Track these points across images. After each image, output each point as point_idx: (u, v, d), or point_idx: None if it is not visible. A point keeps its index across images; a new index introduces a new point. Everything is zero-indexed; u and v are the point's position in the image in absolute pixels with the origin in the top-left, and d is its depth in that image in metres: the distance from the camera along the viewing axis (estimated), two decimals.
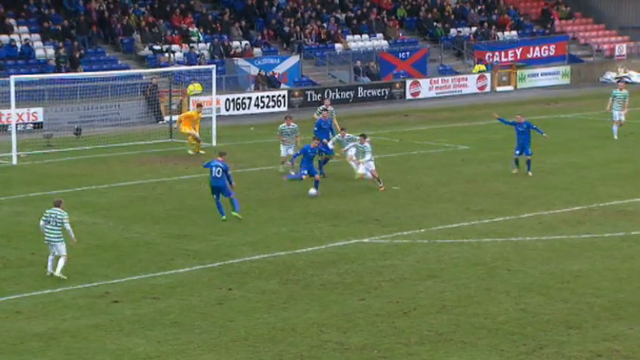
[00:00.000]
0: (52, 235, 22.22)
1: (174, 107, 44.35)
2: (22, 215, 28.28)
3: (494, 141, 40.92)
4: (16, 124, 38.69)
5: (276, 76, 52.60)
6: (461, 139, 41.52)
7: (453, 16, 63.48)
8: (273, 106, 50.20)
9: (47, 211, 22.48)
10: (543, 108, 50.77)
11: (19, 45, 48.90)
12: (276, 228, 26.93)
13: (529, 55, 61.41)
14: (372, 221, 27.61)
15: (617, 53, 65.16)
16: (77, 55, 48.69)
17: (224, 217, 27.56)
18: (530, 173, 33.32)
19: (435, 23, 61.82)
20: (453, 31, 61.89)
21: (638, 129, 42.08)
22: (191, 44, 52.99)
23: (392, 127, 45.31)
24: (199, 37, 53.91)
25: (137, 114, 46.33)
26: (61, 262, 22.20)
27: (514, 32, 63.97)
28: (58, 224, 22.23)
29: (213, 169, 27.70)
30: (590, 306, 20.45)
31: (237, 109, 49.25)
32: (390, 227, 26.96)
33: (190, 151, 37.80)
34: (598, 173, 34.34)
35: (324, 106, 35.37)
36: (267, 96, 50.48)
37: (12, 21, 50.55)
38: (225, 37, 54.61)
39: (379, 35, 59.49)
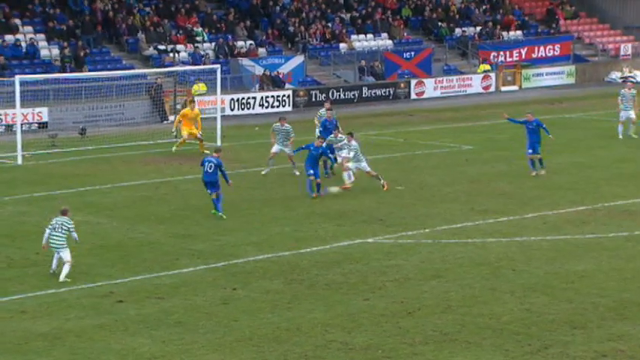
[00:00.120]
0: (58, 242, 22.20)
1: (178, 107, 44.35)
2: (26, 215, 28.30)
3: (498, 141, 40.91)
4: (21, 124, 38.73)
5: (280, 76, 52.60)
6: (465, 139, 41.50)
7: (457, 16, 63.44)
8: (278, 106, 50.20)
9: (54, 219, 22.50)
10: (548, 108, 50.69)
11: (24, 45, 48.92)
12: (280, 228, 26.93)
13: (534, 55, 61.35)
14: (376, 221, 27.60)
15: (622, 53, 65.08)
16: (82, 55, 48.72)
17: (215, 212, 27.78)
18: (543, 172, 33.19)
19: (439, 23, 61.79)
20: (457, 31, 61.85)
21: None
22: (196, 44, 53.01)
23: (396, 126, 45.31)
24: (204, 37, 53.92)
25: (142, 114, 46.36)
26: (66, 268, 22.16)
27: (519, 32, 63.90)
28: (64, 231, 22.24)
29: (206, 164, 27.93)
30: (594, 306, 20.43)
31: (242, 109, 49.26)
32: (394, 227, 26.95)
33: (174, 148, 37.75)
34: (603, 173, 34.30)
35: (324, 109, 35.24)
36: (272, 96, 50.49)
37: (17, 21, 50.58)
38: (230, 36, 54.63)
39: (384, 35, 59.47)
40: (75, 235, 22.40)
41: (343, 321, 19.62)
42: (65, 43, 49.34)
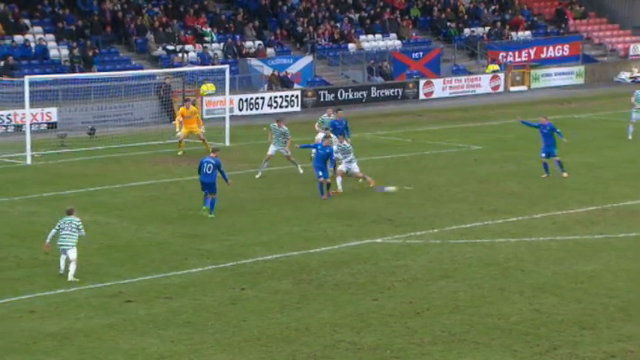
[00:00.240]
0: (67, 241, 22.24)
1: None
2: (35, 215, 28.35)
3: (507, 141, 40.87)
4: (31, 124, 38.80)
5: (289, 76, 52.62)
6: (474, 139, 41.46)
7: (466, 16, 63.40)
8: (287, 106, 50.22)
9: (61, 219, 22.54)
10: (557, 108, 50.62)
11: (33, 45, 49.03)
12: (289, 228, 26.94)
13: (543, 55, 61.28)
14: (385, 221, 27.59)
15: (631, 53, 64.98)
16: (91, 55, 48.80)
17: (207, 207, 27.86)
18: (565, 174, 32.90)
19: (448, 23, 61.76)
20: (466, 31, 61.81)
21: None
22: (204, 44, 53.05)
23: (405, 127, 45.28)
24: (213, 37, 53.97)
25: (150, 114, 46.42)
26: (72, 267, 22.20)
27: (528, 32, 63.84)
28: (74, 230, 22.30)
29: (204, 165, 27.86)
30: (604, 306, 20.39)
31: (251, 109, 49.28)
32: (403, 227, 26.94)
33: (180, 153, 37.88)
34: (612, 173, 34.24)
35: (327, 115, 35.05)
36: (281, 96, 50.51)
37: (26, 21, 50.69)
38: (239, 37, 54.67)
39: (392, 35, 59.45)
40: (83, 231, 22.48)
41: (352, 321, 19.62)
42: (74, 44, 49.42)
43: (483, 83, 57.47)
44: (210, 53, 52.14)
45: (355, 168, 31.35)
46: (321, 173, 30.23)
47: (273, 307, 20.47)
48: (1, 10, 50.36)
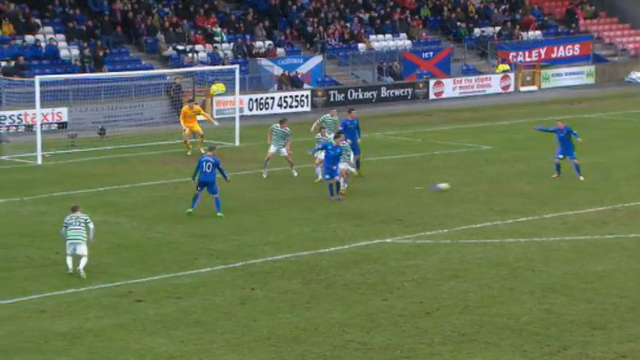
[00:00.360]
0: (75, 236, 22.31)
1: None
2: (45, 215, 28.39)
3: (517, 141, 40.81)
4: (41, 124, 38.86)
5: (299, 76, 52.61)
6: (484, 139, 41.41)
7: (476, 16, 63.32)
8: (297, 106, 50.21)
9: (67, 216, 22.58)
10: (567, 108, 50.54)
11: (43, 45, 49.11)
12: (299, 228, 26.93)
13: (553, 55, 61.14)
14: (394, 221, 27.57)
15: None
16: (101, 55, 48.87)
17: (191, 210, 27.82)
18: (581, 177, 32.61)
19: (458, 23, 61.69)
20: (476, 31, 61.73)
21: None
22: (214, 44, 53.08)
23: (415, 127, 45.24)
24: (223, 37, 53.99)
25: (160, 114, 46.46)
26: (84, 261, 22.30)
27: (538, 32, 63.72)
28: (81, 224, 22.37)
29: (203, 163, 27.86)
30: (614, 306, 20.34)
31: (261, 109, 49.28)
32: (413, 227, 26.91)
33: (189, 153, 37.90)
34: (622, 173, 34.17)
35: (329, 115, 34.95)
36: (291, 96, 50.50)
37: (37, 21, 50.79)
38: (249, 37, 54.68)
39: (402, 35, 59.40)
40: (92, 225, 22.53)
41: (361, 321, 19.61)
42: (85, 44, 49.48)
43: (493, 83, 57.37)
44: (220, 53, 52.17)
45: (344, 166, 31.01)
46: (328, 177, 30.09)
47: (282, 307, 20.47)
48: (12, 10, 50.47)
